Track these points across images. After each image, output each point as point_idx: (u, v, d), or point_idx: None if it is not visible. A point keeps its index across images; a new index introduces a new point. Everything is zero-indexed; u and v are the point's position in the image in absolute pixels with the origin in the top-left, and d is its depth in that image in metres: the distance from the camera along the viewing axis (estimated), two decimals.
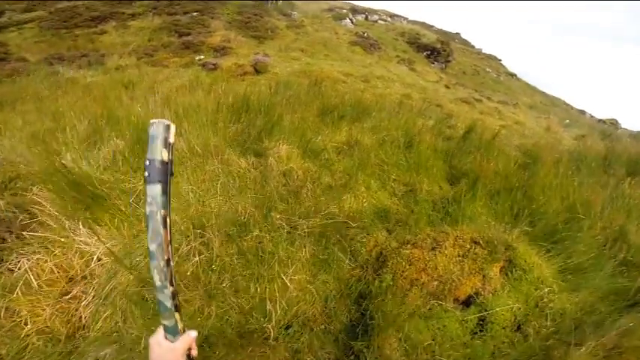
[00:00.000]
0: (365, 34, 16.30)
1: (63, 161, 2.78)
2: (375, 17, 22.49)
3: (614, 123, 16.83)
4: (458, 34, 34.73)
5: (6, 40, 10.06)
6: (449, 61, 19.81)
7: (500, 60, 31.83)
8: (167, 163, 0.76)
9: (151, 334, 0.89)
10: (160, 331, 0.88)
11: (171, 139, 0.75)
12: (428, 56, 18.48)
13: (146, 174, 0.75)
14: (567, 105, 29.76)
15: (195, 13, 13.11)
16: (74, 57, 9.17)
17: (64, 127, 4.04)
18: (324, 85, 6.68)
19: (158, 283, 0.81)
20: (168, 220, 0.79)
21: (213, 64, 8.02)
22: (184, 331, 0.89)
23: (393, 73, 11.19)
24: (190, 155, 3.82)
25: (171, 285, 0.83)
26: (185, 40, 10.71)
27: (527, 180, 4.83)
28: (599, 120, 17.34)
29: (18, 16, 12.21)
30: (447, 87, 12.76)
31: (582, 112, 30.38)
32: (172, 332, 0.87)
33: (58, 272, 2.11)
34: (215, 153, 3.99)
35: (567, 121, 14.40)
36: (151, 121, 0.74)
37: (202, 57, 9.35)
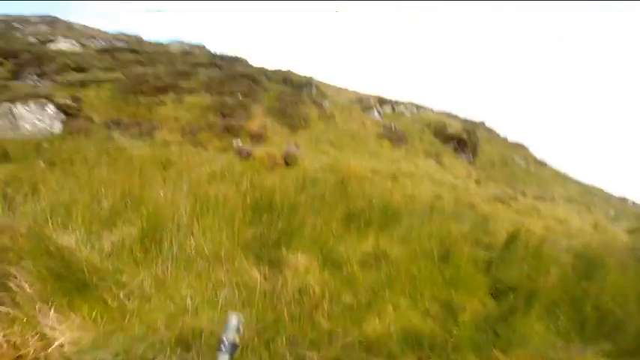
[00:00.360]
0: (392, 127, 16.61)
1: (61, 241, 2.70)
2: (402, 108, 23.28)
3: None
4: (482, 122, 35.21)
5: (84, 96, 10.85)
6: (476, 152, 19.63)
7: (527, 147, 31.48)
8: (236, 345, 1.19)
9: None
10: None
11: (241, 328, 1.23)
12: (455, 148, 18.40)
13: (222, 347, 1.17)
14: (606, 193, 28.22)
15: (240, 96, 13.77)
16: (130, 124, 9.64)
17: (88, 201, 3.99)
18: (350, 184, 6.39)
19: None
20: None
21: (248, 152, 8.11)
22: None
23: (422, 169, 10.93)
24: (197, 258, 3.45)
25: None
26: (227, 122, 11.10)
27: (593, 288, 4.11)
28: None
29: (101, 74, 13.22)
30: (478, 183, 12.29)
31: (624, 200, 28.62)
32: None
33: (7, 347, 1.99)
34: (226, 258, 3.63)
35: (612, 212, 13.30)
36: (229, 313, 1.22)
37: (240, 142, 9.53)
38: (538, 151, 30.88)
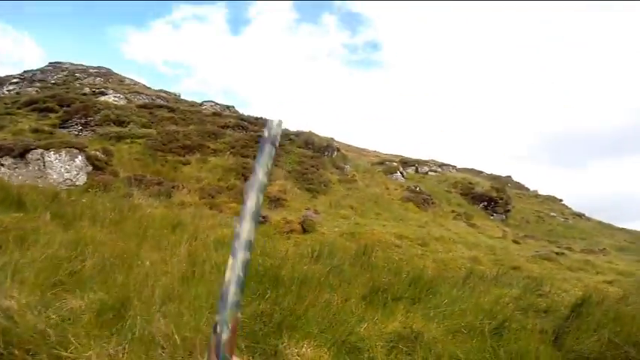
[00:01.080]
0: (417, 189, 15.78)
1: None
2: (425, 169, 22.54)
3: None
4: (509, 177, 33.59)
5: (115, 150, 10.73)
6: (508, 210, 18.14)
7: (561, 200, 29.23)
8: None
9: None
10: None
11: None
12: (485, 207, 17.11)
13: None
14: None
15: None
16: (152, 182, 9.31)
17: (69, 259, 3.50)
18: (374, 254, 5.49)
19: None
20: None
21: (263, 218, 7.46)
22: None
23: (453, 232, 9.84)
24: (165, 342, 2.62)
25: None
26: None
27: None
28: None
29: (137, 129, 13.35)
30: (516, 242, 10.92)
31: None
32: None
33: None
34: (202, 348, 2.79)
35: None
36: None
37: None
38: (573, 203, 28.55)
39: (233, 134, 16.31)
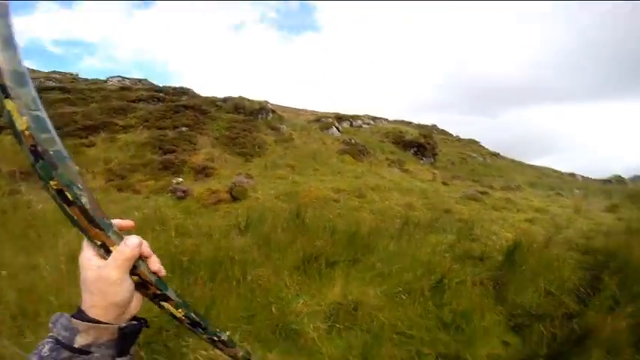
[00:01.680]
0: (352, 141, 15.45)
1: None
2: (359, 122, 22.34)
3: (621, 180, 14.83)
4: (434, 125, 35.06)
5: None
6: (436, 154, 18.81)
7: (479, 142, 31.39)
8: None
9: None
10: (87, 247, 0.49)
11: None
12: (415, 153, 17.48)
13: None
14: (555, 172, 28.28)
15: (184, 128, 12.16)
16: None
17: None
18: (308, 214, 4.92)
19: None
20: None
21: (183, 192, 6.50)
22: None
23: (388, 180, 9.66)
24: None
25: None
26: (166, 158, 9.37)
27: None
28: (604, 181, 15.39)
29: None
30: (445, 184, 11.19)
31: (572, 176, 28.72)
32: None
33: None
34: None
35: (577, 191, 12.49)
36: None
37: (181, 179, 7.91)
38: (489, 145, 30.78)
39: (146, 107, 14.31)
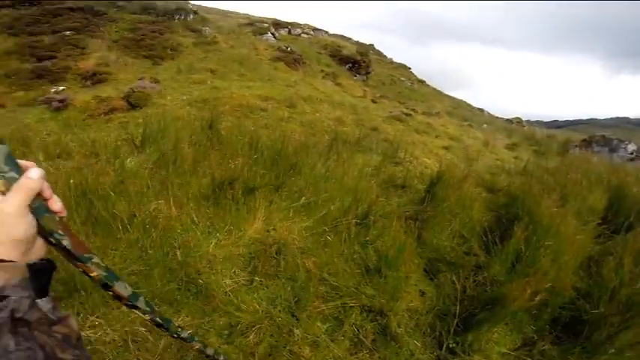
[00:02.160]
0: (288, 49, 13.85)
1: None
2: (298, 31, 20.06)
3: (519, 121, 16.40)
4: (372, 45, 33.70)
5: None
6: (369, 73, 18.22)
7: (409, 68, 31.43)
8: None
9: None
10: None
11: None
12: (350, 68, 16.64)
13: None
14: (469, 105, 30.32)
15: (68, 32, 9.50)
16: None
17: None
18: (225, 125, 4.10)
19: None
20: None
21: (60, 101, 5.03)
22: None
23: (321, 91, 8.93)
24: None
25: None
26: (40, 66, 7.31)
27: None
28: (507, 120, 16.85)
29: None
30: (374, 101, 10.90)
31: (481, 110, 31.18)
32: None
33: None
34: None
35: (485, 125, 13.42)
36: None
37: (62, 88, 6.24)
38: (417, 71, 31.01)
39: (11, 13, 10.50)
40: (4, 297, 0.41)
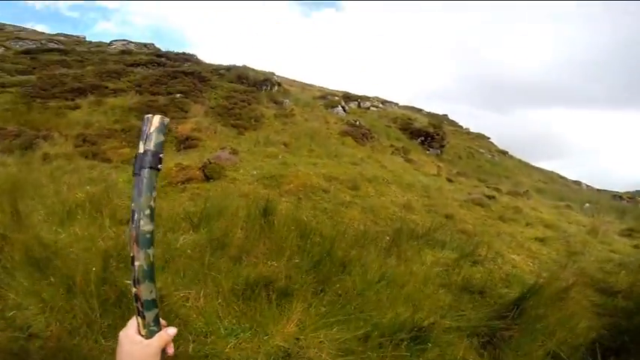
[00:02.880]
0: (357, 123, 14.22)
1: None
2: (368, 104, 20.83)
3: (631, 197, 13.63)
4: (445, 115, 33.31)
5: None
6: (443, 146, 17.52)
7: (489, 138, 29.79)
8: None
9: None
10: (132, 324, 0.66)
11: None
12: (422, 142, 16.24)
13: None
14: (561, 178, 26.93)
15: (178, 95, 11.06)
16: (8, 135, 6.74)
17: None
18: (282, 205, 3.92)
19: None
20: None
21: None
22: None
23: (388, 170, 8.59)
24: None
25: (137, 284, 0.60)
26: None
27: None
28: (615, 196, 14.16)
29: (10, 78, 10.24)
30: (450, 180, 10.11)
31: (578, 184, 27.42)
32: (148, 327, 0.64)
33: None
34: None
35: (587, 205, 11.37)
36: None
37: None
38: (498, 142, 29.16)
39: (143, 72, 13.06)
40: None
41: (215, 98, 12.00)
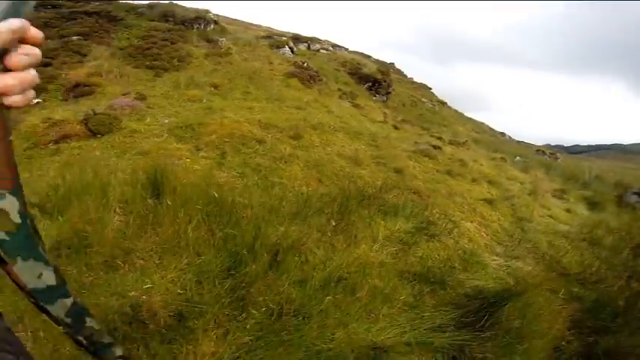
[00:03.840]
0: (305, 64, 12.59)
1: None
2: (317, 46, 18.86)
3: (553, 153, 14.51)
4: (392, 64, 32.31)
5: None
6: (389, 93, 16.79)
7: (430, 89, 29.83)
8: None
9: None
10: None
11: None
12: (369, 88, 15.26)
13: None
14: (490, 129, 28.44)
15: (75, 37, 8.53)
16: None
17: None
18: (183, 179, 2.71)
19: None
20: None
21: None
22: None
23: (336, 115, 7.55)
24: None
25: None
26: None
27: None
28: (537, 150, 14.96)
29: None
30: (396, 127, 9.44)
31: (503, 135, 29.25)
32: None
33: None
34: None
35: (517, 158, 11.70)
36: None
37: (38, 101, 5.11)
38: (438, 93, 29.32)
39: (33, 15, 9.69)
40: None
41: (128, 38, 9.46)
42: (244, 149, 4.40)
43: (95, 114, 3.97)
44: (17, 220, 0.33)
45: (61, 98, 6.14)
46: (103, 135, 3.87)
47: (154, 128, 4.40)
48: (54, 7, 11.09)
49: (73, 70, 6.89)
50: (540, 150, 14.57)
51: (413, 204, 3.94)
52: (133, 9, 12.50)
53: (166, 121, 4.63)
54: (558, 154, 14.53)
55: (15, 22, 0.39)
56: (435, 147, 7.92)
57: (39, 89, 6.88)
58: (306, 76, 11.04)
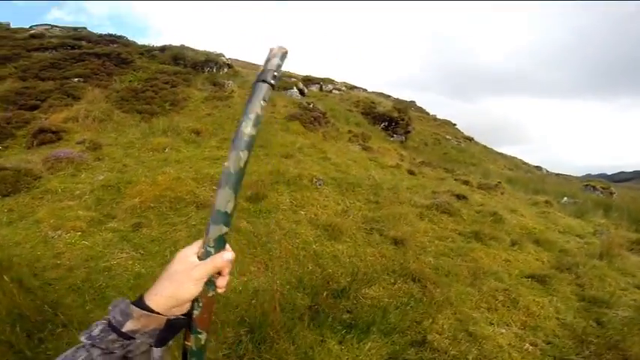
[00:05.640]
0: (311, 105, 11.64)
1: None
2: (330, 87, 18.16)
3: (606, 187, 11.94)
4: (413, 102, 31.19)
5: None
6: (409, 132, 15.31)
7: (455, 125, 28.06)
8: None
9: None
10: (199, 242, 0.51)
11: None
12: (385, 128, 13.97)
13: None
14: (525, 164, 25.70)
15: (76, 79, 8.19)
16: None
17: None
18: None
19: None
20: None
21: None
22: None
23: (332, 164, 6.20)
24: None
25: None
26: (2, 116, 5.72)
27: None
28: (585, 185, 12.42)
29: None
30: (412, 173, 7.83)
31: (539, 169, 26.38)
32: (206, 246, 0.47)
33: None
34: None
35: (565, 199, 9.49)
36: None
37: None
38: (463, 129, 27.41)
39: (40, 55, 9.95)
40: (132, 338, 0.43)
41: (130, 81, 9.09)
42: (172, 217, 3.09)
43: (3, 169, 2.95)
44: None
45: (24, 146, 5.37)
46: (9, 195, 2.81)
47: (78, 187, 3.33)
48: (72, 48, 11.15)
49: (55, 114, 6.26)
50: (589, 185, 12.05)
51: (406, 305, 2.33)
52: (148, 51, 12.50)
53: (101, 177, 3.55)
54: (612, 188, 11.95)
55: (231, 255, 0.49)
56: (459, 196, 6.21)
57: (6, 135, 6.27)
58: (309, 119, 9.96)
